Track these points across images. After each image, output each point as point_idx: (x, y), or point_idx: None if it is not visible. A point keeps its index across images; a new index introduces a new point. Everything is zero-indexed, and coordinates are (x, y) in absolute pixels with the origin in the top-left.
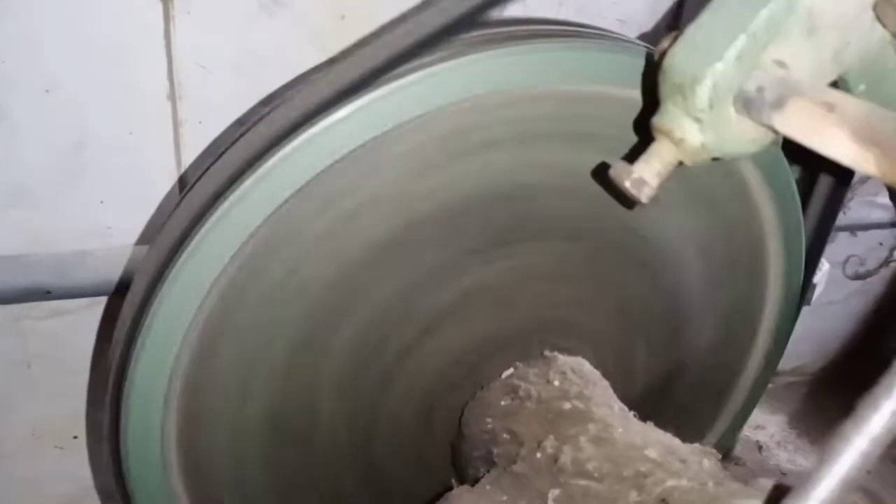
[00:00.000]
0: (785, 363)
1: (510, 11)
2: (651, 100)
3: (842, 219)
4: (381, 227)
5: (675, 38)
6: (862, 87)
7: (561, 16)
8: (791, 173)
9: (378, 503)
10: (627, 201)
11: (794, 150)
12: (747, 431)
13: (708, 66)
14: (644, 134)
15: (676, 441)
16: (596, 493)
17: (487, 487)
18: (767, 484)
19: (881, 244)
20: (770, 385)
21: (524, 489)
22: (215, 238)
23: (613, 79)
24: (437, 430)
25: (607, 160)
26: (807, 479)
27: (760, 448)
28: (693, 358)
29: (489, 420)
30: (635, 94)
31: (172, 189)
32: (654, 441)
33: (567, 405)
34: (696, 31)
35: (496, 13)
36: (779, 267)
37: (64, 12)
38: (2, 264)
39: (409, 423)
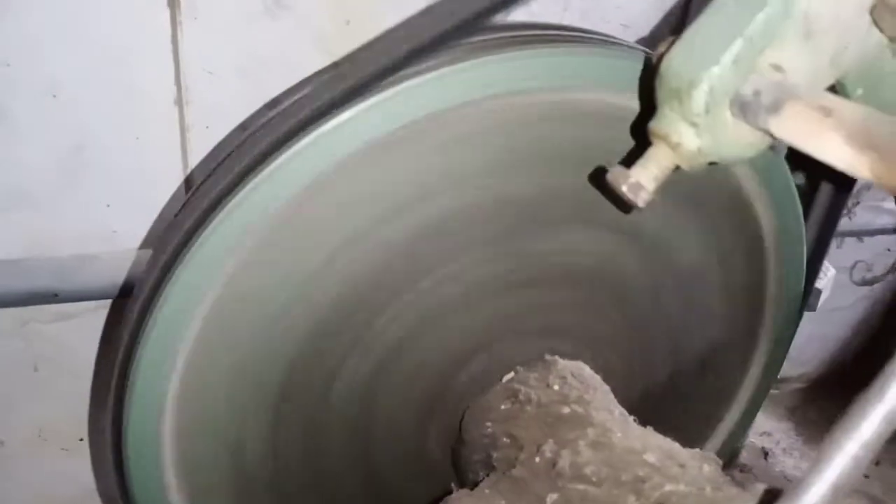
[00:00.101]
0: (791, 369)
1: (514, 16)
2: (649, 104)
3: (848, 224)
4: (380, 231)
5: (672, 43)
6: (860, 91)
7: (565, 21)
8: (790, 177)
9: None
10: (624, 205)
11: (795, 156)
12: (753, 438)
13: (704, 71)
14: (641, 138)
15: (676, 446)
16: (594, 497)
17: (486, 491)
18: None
19: (889, 250)
20: (776, 391)
21: (523, 493)
22: (214, 243)
23: (612, 84)
24: (437, 434)
25: (605, 164)
26: (798, 483)
27: (766, 455)
28: (693, 361)
29: (489, 424)
30: (633, 99)
31: (178, 193)
32: (654, 446)
33: (566, 409)
34: (693, 36)
35: (500, 18)
36: (778, 270)
37: (73, 17)
38: (8, 268)
39: (408, 426)
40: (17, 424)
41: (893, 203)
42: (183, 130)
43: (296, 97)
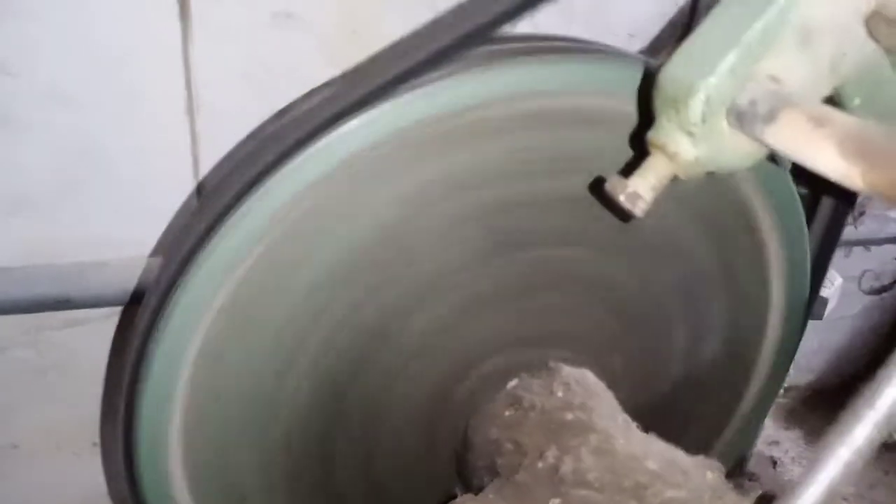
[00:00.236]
0: (800, 378)
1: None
2: (647, 114)
3: (856, 233)
4: (383, 236)
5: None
6: (858, 100)
7: (571, 32)
8: (793, 184)
9: None
10: (623, 215)
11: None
12: (761, 447)
13: (701, 80)
14: (640, 148)
15: (679, 453)
16: (596, 502)
17: (490, 496)
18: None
19: None
20: (785, 400)
21: (526, 498)
22: (222, 251)
23: (612, 93)
24: (442, 441)
25: (604, 174)
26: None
27: (775, 464)
28: (697, 368)
29: (493, 430)
30: (633, 109)
31: (189, 200)
32: (656, 453)
33: (570, 416)
34: (691, 46)
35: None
36: (782, 278)
37: (87, 27)
38: (20, 274)
39: (414, 433)
40: (30, 428)
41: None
42: (194, 139)
43: (302, 107)
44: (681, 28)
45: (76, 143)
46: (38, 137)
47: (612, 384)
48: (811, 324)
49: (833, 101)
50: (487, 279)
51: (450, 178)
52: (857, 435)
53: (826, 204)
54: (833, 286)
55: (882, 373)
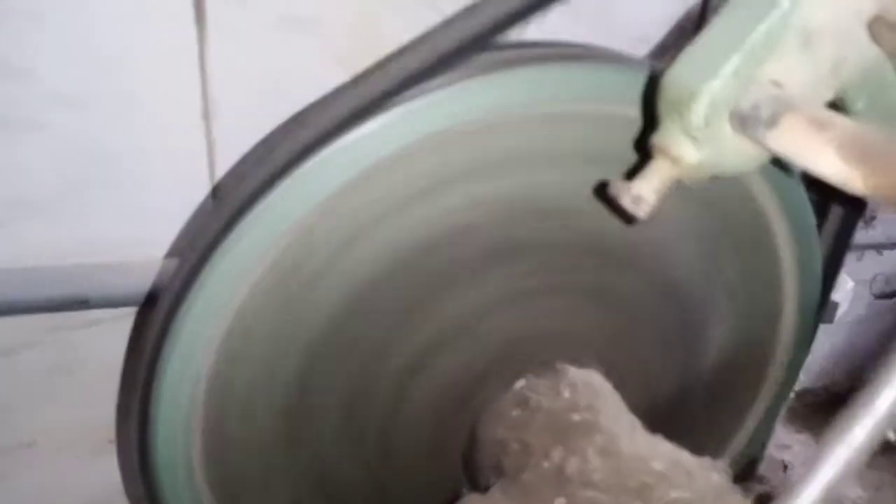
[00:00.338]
0: (812, 382)
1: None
2: (652, 118)
3: (868, 237)
4: (393, 244)
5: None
6: (861, 103)
7: (577, 37)
8: (802, 186)
9: None
10: (627, 218)
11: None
12: (773, 451)
13: (704, 84)
14: (644, 152)
15: (685, 454)
16: (601, 502)
17: (496, 495)
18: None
19: None
20: (796, 404)
21: (531, 498)
22: (241, 248)
23: (616, 98)
24: (449, 440)
25: (610, 177)
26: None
27: (786, 467)
28: (708, 371)
29: (500, 430)
30: (637, 113)
31: (205, 203)
32: (662, 454)
33: (576, 417)
34: (694, 50)
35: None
36: (793, 283)
37: (106, 34)
38: (38, 275)
39: (422, 433)
40: (47, 426)
41: None
42: (210, 143)
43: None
44: (690, 32)
45: (94, 147)
46: (58, 141)
47: (620, 386)
48: (823, 327)
49: (836, 105)
50: (494, 281)
51: (456, 185)
52: (856, 434)
53: (836, 208)
54: (844, 290)
55: (881, 372)
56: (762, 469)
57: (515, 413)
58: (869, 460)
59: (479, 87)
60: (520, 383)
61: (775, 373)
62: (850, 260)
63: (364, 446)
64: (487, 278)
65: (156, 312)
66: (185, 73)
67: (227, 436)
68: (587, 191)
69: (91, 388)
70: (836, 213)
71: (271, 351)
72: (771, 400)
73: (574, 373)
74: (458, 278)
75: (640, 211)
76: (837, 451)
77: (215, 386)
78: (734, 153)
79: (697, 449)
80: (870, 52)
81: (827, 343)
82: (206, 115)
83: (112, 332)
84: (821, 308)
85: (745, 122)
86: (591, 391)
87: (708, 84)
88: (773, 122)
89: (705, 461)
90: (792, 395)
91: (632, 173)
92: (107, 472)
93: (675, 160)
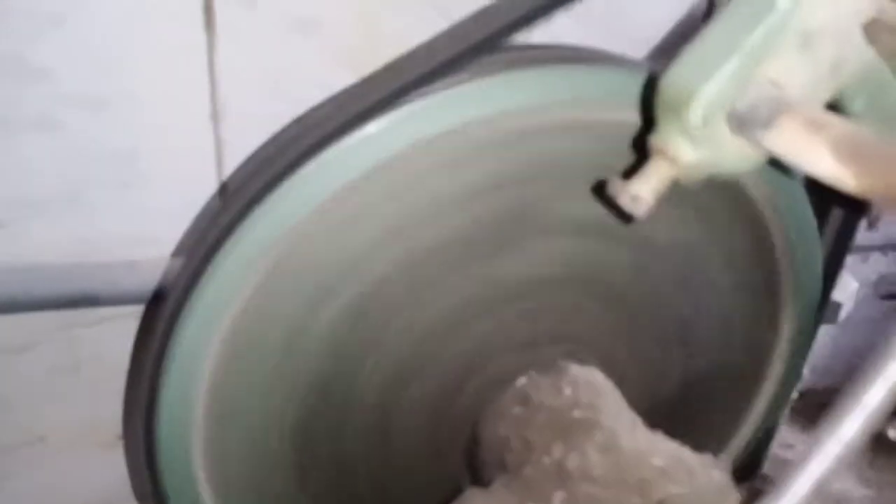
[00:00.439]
0: (816, 382)
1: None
2: (650, 118)
3: (873, 238)
4: (397, 244)
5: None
6: (860, 103)
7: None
8: (804, 189)
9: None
10: (625, 216)
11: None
12: (777, 450)
13: (701, 85)
14: (642, 152)
15: (686, 451)
16: (600, 497)
17: (497, 490)
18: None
19: None
20: (801, 404)
21: (532, 492)
22: (244, 248)
23: (616, 100)
24: (452, 437)
25: (608, 178)
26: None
27: None
28: (708, 371)
29: (502, 427)
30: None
31: (213, 203)
32: (662, 450)
33: (577, 414)
34: (692, 51)
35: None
36: (793, 283)
37: (118, 37)
38: (49, 272)
39: (425, 430)
40: (57, 422)
41: None
42: (218, 144)
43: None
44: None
45: (104, 147)
46: (68, 141)
47: (621, 384)
48: (827, 328)
49: (835, 106)
50: (496, 279)
51: (458, 185)
52: (846, 429)
53: (837, 209)
54: (848, 291)
55: (870, 367)
56: (766, 468)
57: (517, 410)
58: (872, 460)
59: (480, 90)
60: (521, 381)
61: (776, 372)
62: (854, 261)
63: (364, 444)
64: (488, 277)
65: (162, 310)
66: (194, 74)
67: (232, 432)
68: (587, 191)
69: (98, 385)
70: (836, 213)
71: (274, 349)
72: (772, 399)
73: (575, 370)
74: (459, 275)
75: (638, 210)
76: (828, 445)
77: (220, 382)
78: (732, 153)
79: (698, 447)
80: (868, 53)
81: (831, 343)
82: (215, 116)
83: (119, 330)
84: (821, 308)
85: (742, 122)
86: (593, 389)
87: (705, 85)
88: (769, 122)
89: (706, 458)
90: (796, 395)
91: (630, 173)
92: (114, 468)
93: (672, 160)
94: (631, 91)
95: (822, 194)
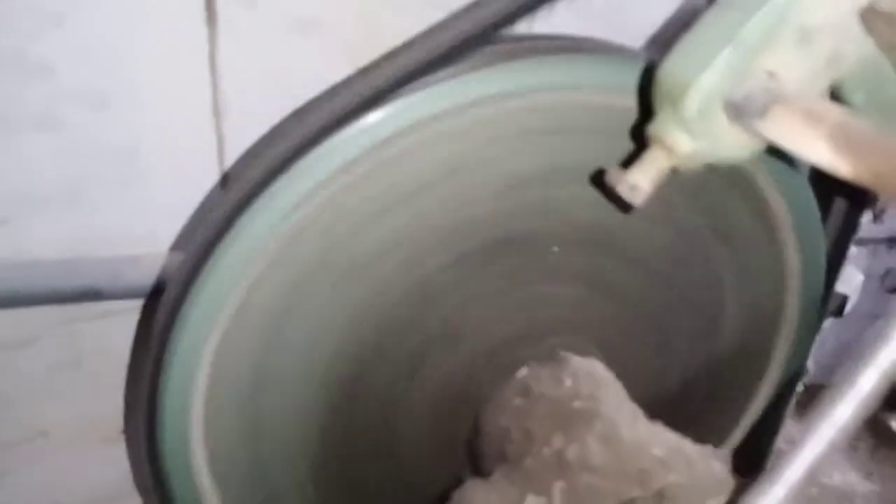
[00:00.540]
0: (822, 376)
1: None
2: (648, 108)
3: (879, 232)
4: (396, 236)
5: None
6: (860, 95)
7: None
8: (808, 181)
9: (396, 497)
10: (623, 205)
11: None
12: (781, 444)
13: (697, 75)
14: (640, 142)
15: (686, 443)
16: (599, 486)
17: (498, 480)
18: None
19: None
20: (806, 398)
21: (532, 482)
22: (243, 241)
23: (614, 89)
24: (453, 432)
25: (606, 166)
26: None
27: None
28: (711, 363)
29: (503, 418)
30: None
31: (215, 198)
32: (662, 441)
33: (577, 404)
34: (689, 42)
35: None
36: (796, 275)
37: (119, 33)
38: (52, 267)
39: (427, 422)
40: (60, 417)
41: None
42: (219, 140)
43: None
44: None
45: (107, 144)
46: (71, 137)
47: (622, 376)
48: (833, 322)
49: (835, 98)
50: (496, 272)
51: (459, 177)
52: (839, 413)
53: (840, 201)
54: (853, 284)
55: (864, 354)
56: (771, 462)
57: (518, 402)
58: (874, 452)
59: (478, 79)
60: (522, 372)
61: (780, 365)
62: (861, 254)
63: (366, 437)
64: (489, 269)
65: (162, 304)
66: (196, 71)
67: (231, 424)
68: (586, 181)
69: (100, 379)
70: (839, 205)
71: (273, 343)
72: (775, 392)
73: (576, 362)
74: (460, 269)
75: (636, 199)
76: (822, 429)
77: (220, 375)
78: (728, 142)
79: (699, 440)
80: (867, 46)
81: (837, 337)
82: (217, 113)
83: (121, 325)
84: (825, 301)
85: (738, 111)
86: (593, 380)
87: (701, 75)
88: (765, 111)
89: (706, 449)
90: (801, 389)
91: (628, 162)
92: (116, 463)
93: (669, 149)
94: (629, 81)
95: (825, 185)
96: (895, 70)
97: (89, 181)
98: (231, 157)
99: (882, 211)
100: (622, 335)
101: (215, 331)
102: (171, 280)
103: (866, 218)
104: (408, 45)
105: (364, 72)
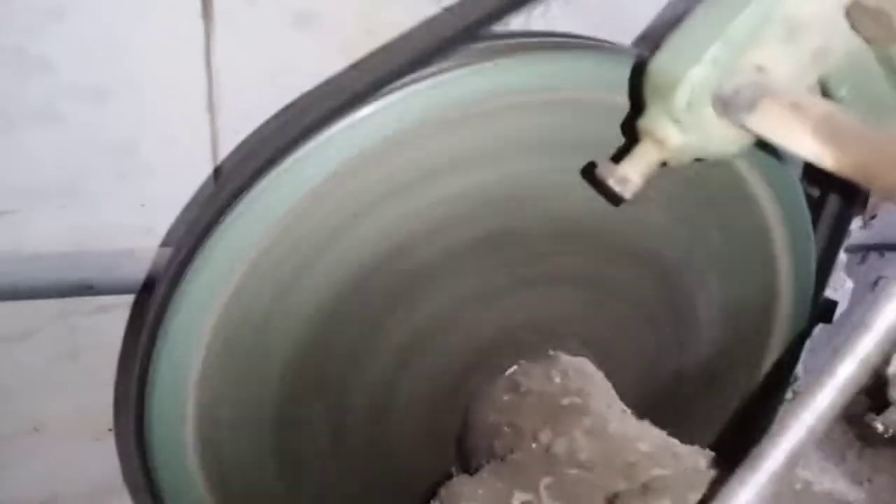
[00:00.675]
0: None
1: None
2: (639, 104)
3: (870, 238)
4: (385, 231)
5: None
6: (845, 90)
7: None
8: (799, 183)
9: (386, 493)
10: (614, 199)
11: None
12: None
13: (686, 70)
14: (631, 136)
15: (674, 440)
16: (586, 480)
17: (485, 476)
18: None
19: None
20: None
21: (519, 477)
22: (233, 236)
23: (605, 85)
24: (443, 429)
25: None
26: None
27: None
28: (700, 365)
29: (492, 414)
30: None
31: (209, 194)
32: (649, 436)
33: (566, 400)
34: (678, 37)
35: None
36: (787, 278)
37: (115, 27)
38: (53, 261)
39: (417, 419)
40: (54, 411)
41: None
42: (214, 135)
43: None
44: None
45: (102, 138)
46: (67, 131)
47: (611, 376)
48: (824, 328)
49: (823, 93)
50: (486, 269)
51: (448, 174)
52: (818, 400)
53: (831, 205)
54: (843, 289)
55: (844, 344)
56: (751, 451)
57: (507, 398)
58: (861, 452)
59: (466, 76)
60: (511, 369)
61: (769, 370)
62: (852, 261)
63: (356, 434)
64: (481, 265)
65: (152, 299)
66: (191, 65)
67: (221, 420)
68: (576, 177)
69: (95, 374)
70: (830, 209)
71: (264, 338)
72: (766, 398)
73: (566, 360)
74: (449, 266)
75: (626, 192)
76: (802, 415)
77: (209, 371)
78: (717, 136)
79: (688, 443)
80: (854, 41)
81: (828, 344)
82: (211, 107)
83: (117, 319)
84: (815, 306)
85: (726, 105)
86: (582, 377)
87: (690, 70)
88: (752, 105)
89: (694, 448)
90: (791, 396)
91: (619, 156)
92: (112, 455)
93: (659, 143)
94: (620, 76)
95: (818, 183)
96: (881, 65)
97: (88, 175)
98: (225, 152)
99: (872, 216)
100: (611, 333)
101: (205, 327)
102: (162, 275)
103: (856, 224)
104: (401, 41)
105: (349, 70)
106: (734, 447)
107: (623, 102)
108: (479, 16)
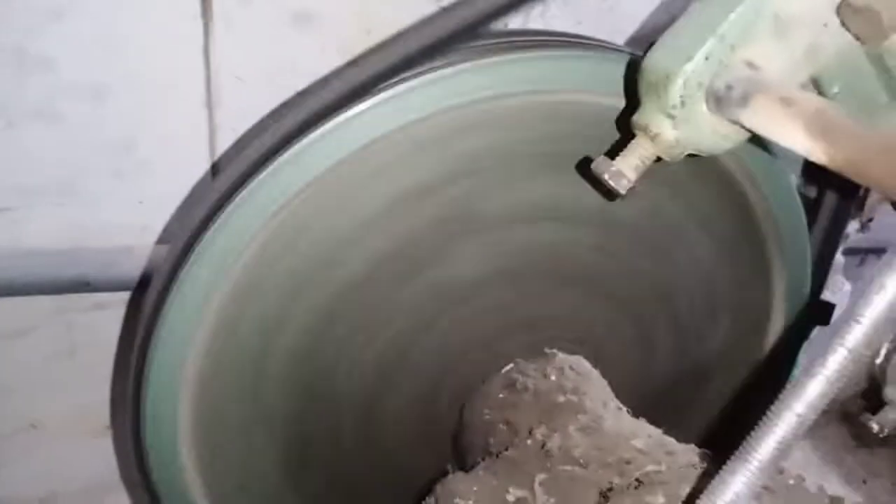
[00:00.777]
0: None
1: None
2: (634, 101)
3: (868, 241)
4: (379, 230)
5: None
6: (837, 87)
7: (583, 27)
8: (794, 185)
9: (379, 488)
10: (609, 193)
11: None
12: None
13: (679, 66)
14: (626, 132)
15: (669, 438)
16: (580, 476)
17: (480, 473)
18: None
19: None
20: None
21: (514, 473)
22: (228, 234)
23: (598, 84)
24: (441, 423)
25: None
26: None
27: (781, 471)
28: (696, 367)
29: (487, 411)
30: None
31: (206, 191)
32: (643, 433)
33: (561, 398)
34: (671, 35)
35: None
36: (782, 280)
37: (115, 26)
38: (50, 257)
39: (412, 415)
40: (51, 408)
41: None
42: (212, 132)
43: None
44: None
45: (101, 136)
46: (66, 130)
47: (606, 375)
48: (821, 330)
49: (813, 86)
50: (484, 267)
51: (443, 173)
52: (809, 391)
53: (827, 206)
54: (841, 292)
55: (833, 340)
56: (744, 441)
57: (503, 395)
58: (856, 452)
59: (461, 75)
60: (508, 367)
61: (768, 372)
62: (850, 264)
63: (352, 432)
64: (473, 261)
65: (147, 296)
66: (190, 64)
67: (215, 417)
68: (571, 175)
69: (92, 371)
70: (826, 210)
71: (259, 336)
72: (763, 400)
73: (561, 358)
74: (446, 264)
75: (620, 186)
76: (794, 406)
77: (205, 367)
78: (710, 132)
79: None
80: (844, 38)
81: (825, 346)
82: (209, 105)
83: (114, 316)
84: (812, 308)
85: (719, 101)
86: (578, 376)
87: (683, 67)
88: (745, 100)
89: (689, 446)
90: None
91: (614, 152)
92: (109, 453)
93: (654, 138)
94: (615, 75)
95: (815, 183)
96: (871, 64)
97: (87, 173)
98: (223, 149)
99: (869, 219)
100: (607, 333)
101: (199, 324)
102: (157, 272)
103: (853, 227)
104: (396, 39)
105: (343, 69)
106: (730, 449)
107: (616, 101)
108: (476, 16)
